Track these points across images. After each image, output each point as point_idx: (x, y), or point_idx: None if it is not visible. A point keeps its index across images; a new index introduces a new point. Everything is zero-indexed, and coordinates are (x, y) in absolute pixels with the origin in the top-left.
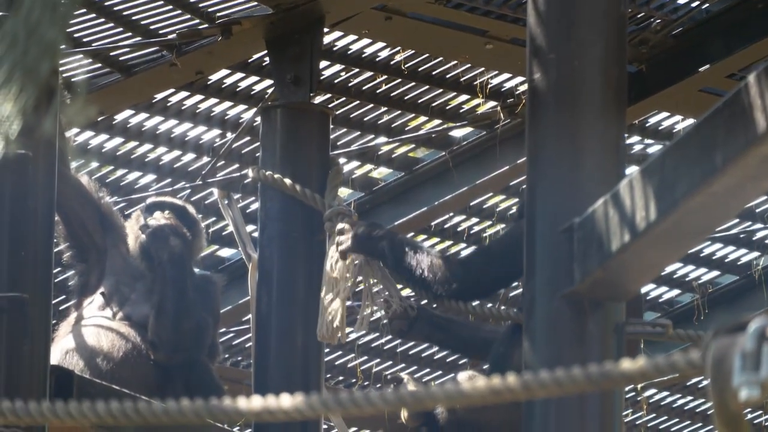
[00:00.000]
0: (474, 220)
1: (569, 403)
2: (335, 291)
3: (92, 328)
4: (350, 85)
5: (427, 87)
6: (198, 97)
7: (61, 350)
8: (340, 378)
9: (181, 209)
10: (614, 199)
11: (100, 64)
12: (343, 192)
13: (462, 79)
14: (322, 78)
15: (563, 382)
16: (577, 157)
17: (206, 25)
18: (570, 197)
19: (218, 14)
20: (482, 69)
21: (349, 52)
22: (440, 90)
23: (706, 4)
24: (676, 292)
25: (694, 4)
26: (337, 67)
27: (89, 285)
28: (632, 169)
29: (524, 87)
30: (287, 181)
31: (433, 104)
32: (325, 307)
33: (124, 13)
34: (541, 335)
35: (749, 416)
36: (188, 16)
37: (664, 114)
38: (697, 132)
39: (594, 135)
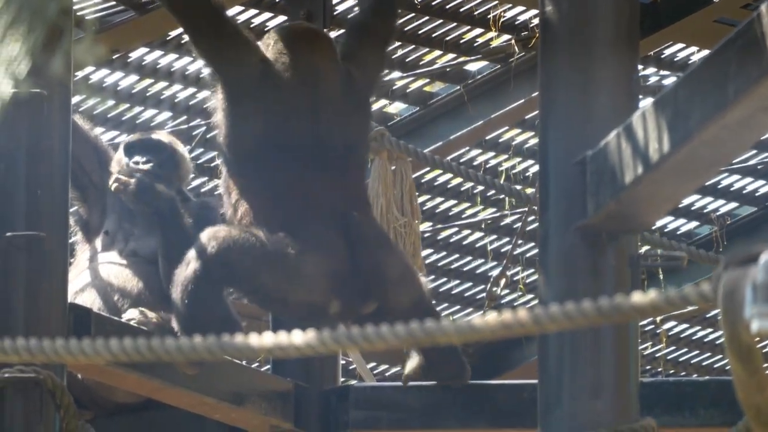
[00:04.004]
0: (490, 153)
1: (584, 336)
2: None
3: (101, 267)
4: None
5: (441, 21)
6: None
7: (72, 292)
8: None
9: (156, 144)
10: (627, 132)
11: (114, 2)
12: None
13: (476, 13)
14: (335, 13)
15: (573, 316)
16: (589, 89)
17: None
18: (583, 130)
19: None
20: (496, 2)
21: None
22: (454, 24)
23: None
24: (694, 223)
25: None
26: (351, 2)
27: (92, 225)
28: (647, 101)
29: (538, 20)
30: None
31: (448, 38)
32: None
33: None
34: (555, 268)
35: (762, 347)
36: None
37: (680, 45)
38: (709, 63)
39: (607, 67)
